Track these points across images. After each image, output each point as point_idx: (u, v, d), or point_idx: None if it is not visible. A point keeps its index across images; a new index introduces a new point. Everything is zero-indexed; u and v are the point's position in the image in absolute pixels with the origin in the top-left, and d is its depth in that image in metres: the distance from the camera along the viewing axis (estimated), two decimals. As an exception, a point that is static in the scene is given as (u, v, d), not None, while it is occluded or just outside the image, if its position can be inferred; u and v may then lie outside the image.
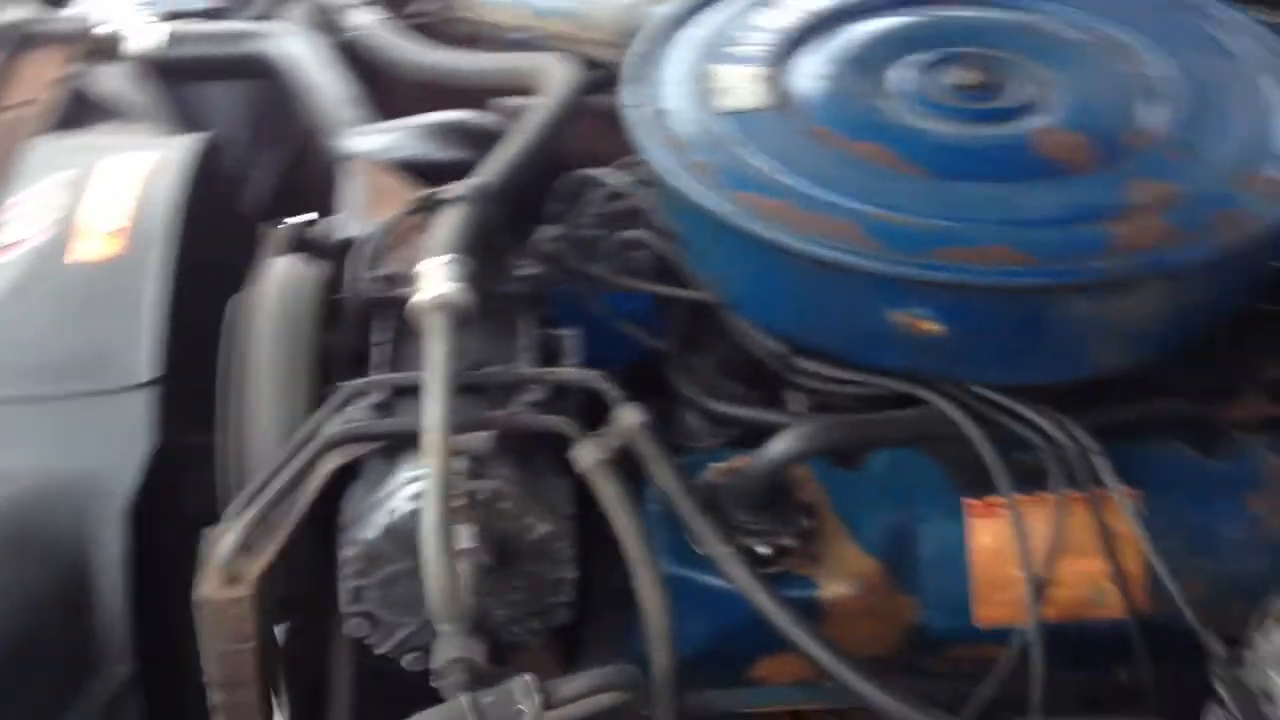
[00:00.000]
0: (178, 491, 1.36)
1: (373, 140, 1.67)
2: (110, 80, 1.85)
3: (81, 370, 1.35)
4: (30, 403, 1.33)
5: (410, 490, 1.21)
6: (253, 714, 1.25)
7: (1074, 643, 1.38)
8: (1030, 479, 1.37)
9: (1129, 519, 1.34)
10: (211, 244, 1.54)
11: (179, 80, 1.94)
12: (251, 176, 1.97)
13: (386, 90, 1.91)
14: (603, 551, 1.38)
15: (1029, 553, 1.32)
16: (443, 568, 1.11)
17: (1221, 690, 1.20)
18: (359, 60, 1.93)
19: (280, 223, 1.61)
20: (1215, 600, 1.39)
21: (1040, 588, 1.31)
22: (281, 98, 1.95)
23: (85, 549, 1.28)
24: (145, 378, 1.34)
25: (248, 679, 1.23)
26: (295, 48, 1.88)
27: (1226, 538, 1.40)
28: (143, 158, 1.56)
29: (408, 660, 1.27)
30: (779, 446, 1.30)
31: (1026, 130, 1.47)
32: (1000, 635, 1.37)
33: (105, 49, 1.89)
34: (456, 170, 1.56)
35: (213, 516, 1.29)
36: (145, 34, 1.93)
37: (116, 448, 1.31)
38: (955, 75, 1.52)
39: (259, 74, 1.92)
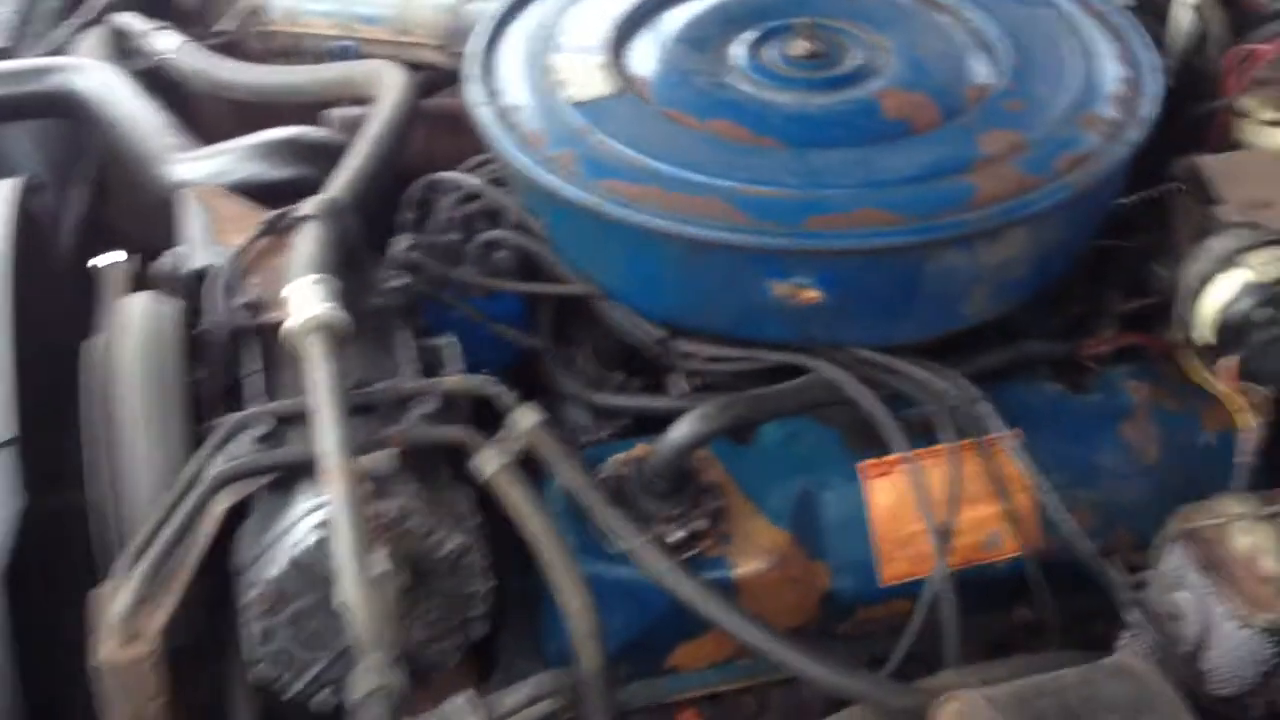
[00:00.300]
0: (46, 552, 1.27)
1: (203, 166, 1.60)
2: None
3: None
4: None
5: (312, 520, 1.16)
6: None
7: (976, 587, 1.41)
8: (920, 434, 1.40)
9: (1017, 461, 1.37)
10: (43, 291, 1.45)
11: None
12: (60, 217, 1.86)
13: (194, 114, 1.83)
14: (503, 557, 1.36)
15: (929, 505, 1.34)
16: (365, 595, 1.06)
17: (1130, 616, 1.23)
18: (165, 86, 1.84)
19: (109, 262, 1.53)
20: (1103, 529, 1.44)
21: (945, 537, 1.33)
22: (74, 133, 1.85)
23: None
24: (1, 438, 1.25)
25: (160, 738, 1.15)
26: (101, 79, 1.79)
27: (1106, 468, 1.46)
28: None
29: (320, 698, 1.21)
30: (682, 431, 1.29)
31: (870, 94, 1.49)
32: (908, 590, 1.39)
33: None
34: (296, 188, 1.51)
35: (85, 576, 1.22)
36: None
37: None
38: (791, 46, 1.53)
39: (63, 110, 1.81)
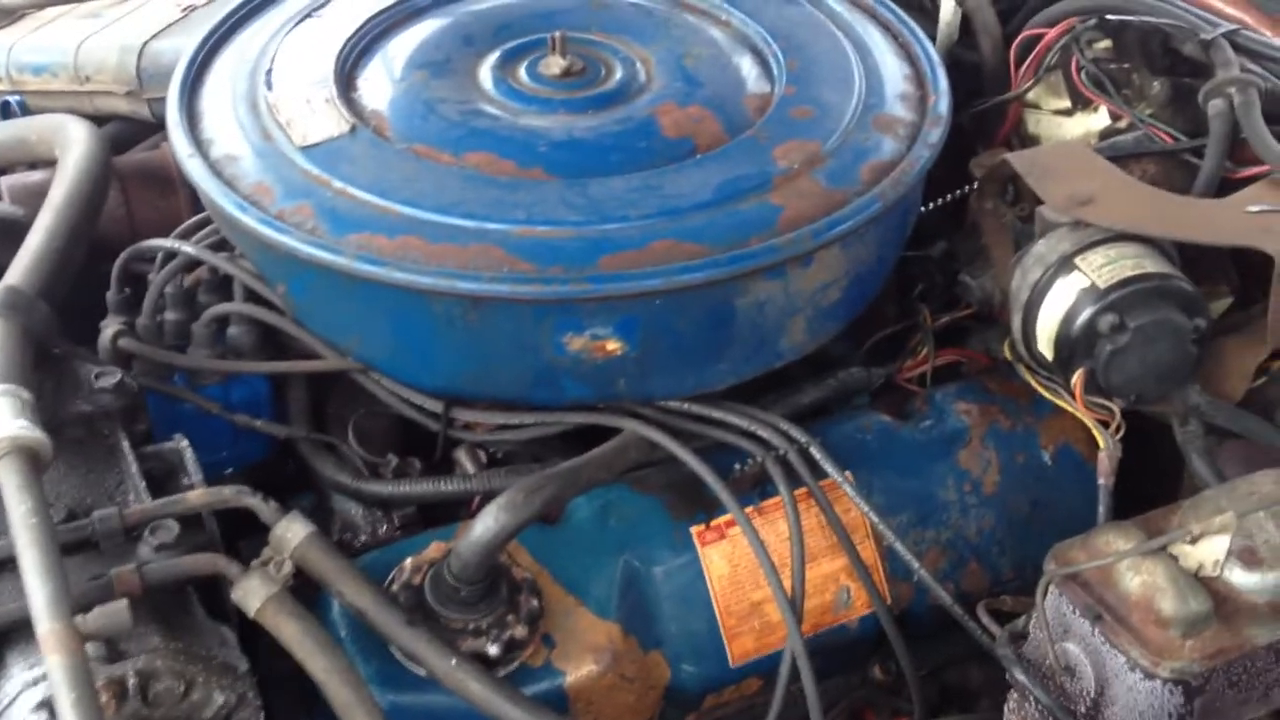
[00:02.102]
0: None
1: None
2: None
3: None
4: None
5: (30, 698, 0.90)
6: None
7: (829, 651, 1.26)
8: (749, 489, 1.23)
9: (858, 503, 1.22)
10: None
11: None
12: None
13: None
14: (282, 693, 1.12)
15: (773, 569, 1.17)
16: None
17: (1016, 674, 1.08)
18: None
19: None
20: (953, 570, 1.31)
21: (796, 603, 1.17)
22: None
23: None
24: None
25: None
26: None
27: (949, 501, 1.32)
28: None
29: None
30: (487, 526, 1.07)
31: (643, 112, 1.32)
32: (757, 667, 1.22)
33: None
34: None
35: None
36: None
37: None
38: (545, 65, 1.35)
39: None
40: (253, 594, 0.98)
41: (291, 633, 0.98)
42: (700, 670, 1.21)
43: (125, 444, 1.10)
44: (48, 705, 0.89)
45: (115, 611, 0.91)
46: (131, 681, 0.92)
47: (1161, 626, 1.02)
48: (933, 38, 1.56)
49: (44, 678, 0.89)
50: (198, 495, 1.04)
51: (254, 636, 1.07)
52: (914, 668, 1.23)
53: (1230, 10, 1.42)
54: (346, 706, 0.97)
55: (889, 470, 1.30)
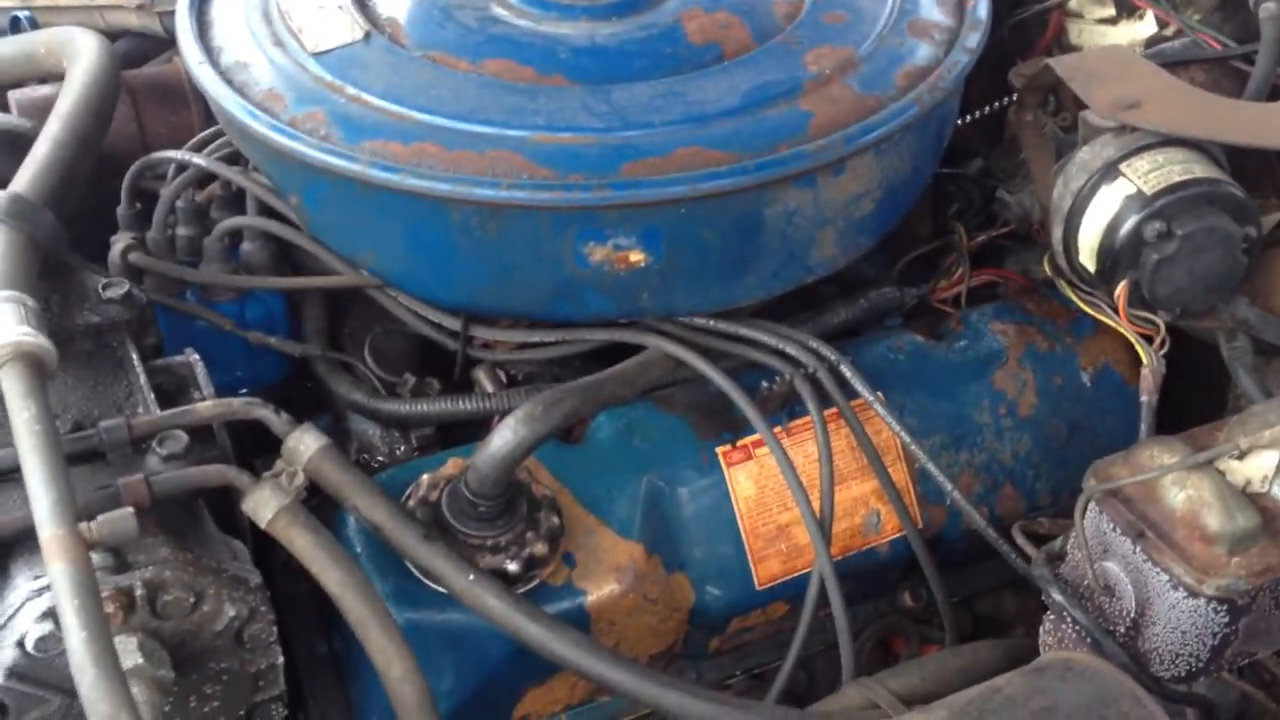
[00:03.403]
0: None
1: None
2: None
3: None
4: None
5: (35, 610, 0.87)
6: None
7: (857, 576, 1.23)
8: (778, 408, 1.20)
9: (890, 424, 1.18)
10: None
11: None
12: None
13: None
14: (300, 618, 1.10)
15: (802, 490, 1.13)
16: (114, 699, 0.78)
17: (1053, 594, 1.04)
18: None
19: None
20: (988, 493, 1.27)
21: (824, 526, 1.13)
22: None
23: None
24: None
25: None
26: None
27: (983, 424, 1.28)
28: None
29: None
30: (505, 439, 1.04)
31: (668, 17, 1.27)
32: (784, 591, 1.19)
33: None
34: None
35: None
36: None
37: None
38: (567, -33, 1.30)
39: None
40: (264, 505, 0.95)
41: (304, 545, 0.95)
42: (725, 593, 1.18)
43: (134, 356, 1.07)
44: (53, 614, 0.86)
45: (121, 519, 0.88)
46: (139, 592, 0.89)
47: (1207, 543, 0.98)
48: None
49: (49, 587, 0.87)
50: (207, 406, 1.01)
51: (268, 558, 1.05)
52: (946, 594, 1.20)
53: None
54: (362, 621, 0.94)
55: (922, 391, 1.26)
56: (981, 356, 1.30)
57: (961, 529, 1.25)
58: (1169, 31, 1.36)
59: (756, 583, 1.18)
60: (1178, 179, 1.11)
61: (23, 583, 0.90)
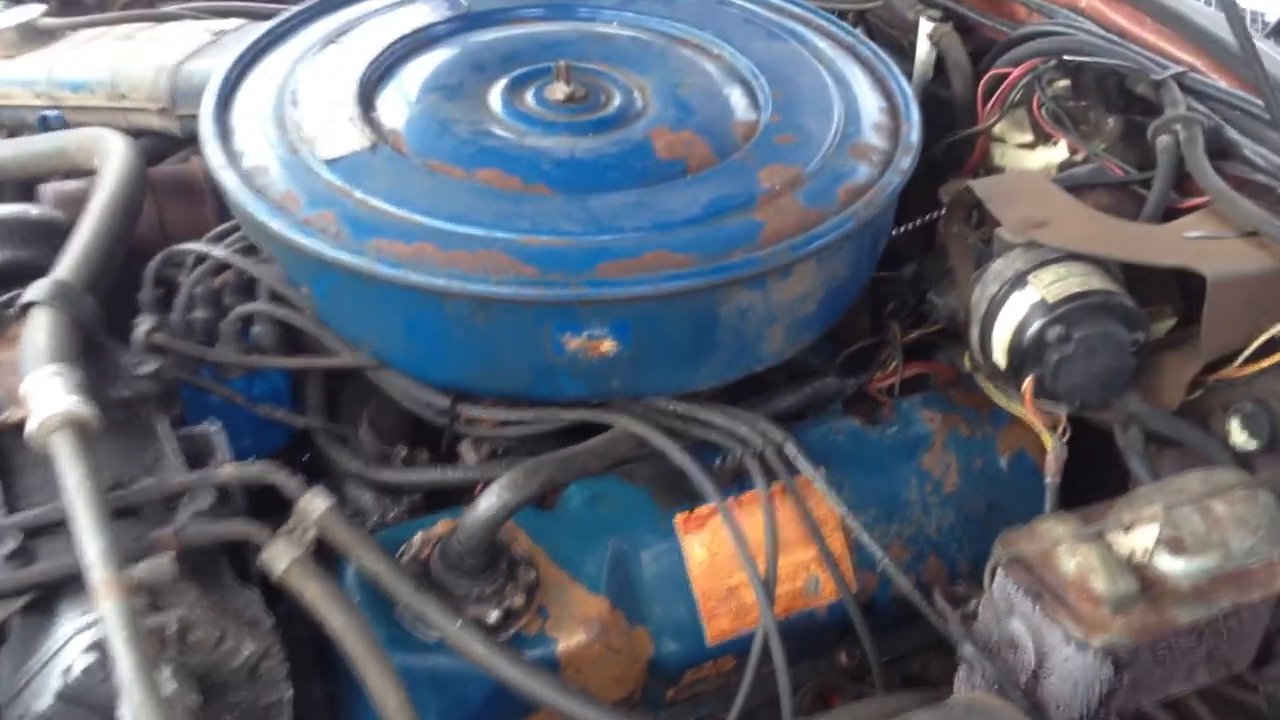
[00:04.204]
0: None
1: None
2: None
3: None
4: None
5: (81, 643, 1.00)
6: None
7: (799, 635, 1.37)
8: (729, 481, 1.35)
9: (829, 500, 1.33)
10: None
11: None
12: None
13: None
14: (301, 661, 1.23)
15: (749, 555, 1.28)
16: (156, 717, 0.91)
17: (963, 650, 1.20)
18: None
19: None
20: (915, 562, 1.42)
21: (769, 588, 1.28)
22: None
23: None
24: None
25: None
26: None
27: (911, 500, 1.44)
28: None
29: None
30: (490, 502, 1.19)
31: (639, 135, 1.44)
32: (733, 646, 1.33)
33: None
34: (13, 273, 1.34)
35: None
36: None
37: None
38: (550, 90, 1.47)
39: None
40: (279, 557, 1.09)
41: (314, 592, 1.09)
42: (680, 647, 1.32)
43: (163, 425, 1.21)
44: (98, 646, 0.99)
45: (161, 564, 1.02)
46: (172, 630, 1.02)
47: (1094, 604, 1.14)
48: (910, 75, 1.69)
49: (94, 623, 1.00)
50: (230, 469, 1.15)
51: (273, 606, 1.18)
52: (877, 654, 1.34)
53: (1179, 54, 1.54)
54: (362, 659, 1.08)
55: (858, 470, 1.42)
56: (911, 440, 1.46)
57: (892, 594, 1.39)
58: (1079, 158, 1.54)
59: (708, 638, 1.32)
60: (1076, 289, 1.28)
61: (70, 619, 1.03)
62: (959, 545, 1.44)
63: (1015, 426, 1.47)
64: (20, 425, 1.12)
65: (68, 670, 1.00)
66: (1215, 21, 1.51)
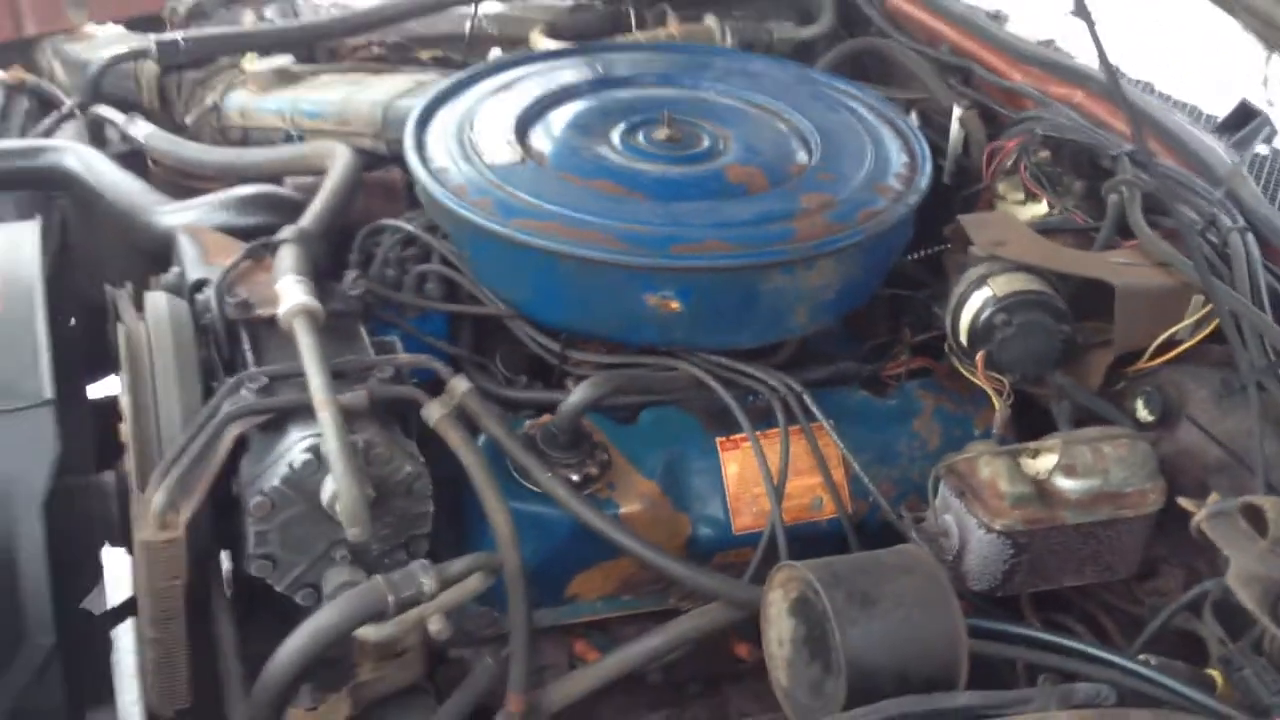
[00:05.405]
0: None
1: (184, 215, 1.97)
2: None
3: (-13, 396, 1.58)
4: (-53, 425, 1.55)
5: (303, 446, 1.51)
6: (180, 646, 1.51)
7: (802, 540, 1.81)
8: (760, 419, 1.82)
9: (833, 439, 1.79)
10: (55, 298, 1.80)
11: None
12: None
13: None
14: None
15: (769, 473, 1.75)
16: (352, 481, 1.42)
17: (911, 535, 1.66)
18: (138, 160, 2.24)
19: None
20: (899, 498, 1.87)
21: (779, 496, 1.74)
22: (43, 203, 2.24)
23: (9, 539, 1.51)
24: (47, 397, 1.59)
25: (177, 613, 1.49)
26: (86, 158, 2.16)
27: (901, 452, 1.89)
28: (-13, 239, 1.81)
29: (300, 596, 1.55)
30: (577, 395, 1.70)
31: (716, 167, 1.95)
32: (752, 539, 1.79)
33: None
34: (259, 233, 1.88)
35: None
36: (-66, 154, 2.15)
37: (28, 456, 1.55)
38: (656, 132, 1.99)
39: (52, 183, 2.18)
40: (435, 410, 1.59)
41: (455, 437, 1.59)
42: (713, 533, 1.78)
43: (361, 331, 1.75)
44: (313, 450, 1.49)
45: (359, 397, 1.54)
46: (360, 444, 1.52)
47: (1000, 499, 1.59)
48: (942, 148, 2.19)
49: (313, 435, 1.52)
50: (407, 357, 1.68)
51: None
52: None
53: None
54: (483, 485, 1.57)
55: (862, 426, 1.87)
56: (906, 410, 1.92)
57: (879, 519, 1.84)
58: (1056, 211, 2.01)
59: (734, 529, 1.79)
60: (1019, 288, 1.74)
61: (295, 434, 1.54)
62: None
63: (990, 411, 1.92)
64: (271, 319, 1.66)
65: (291, 463, 1.51)
66: (1164, 112, 1.97)
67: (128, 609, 1.75)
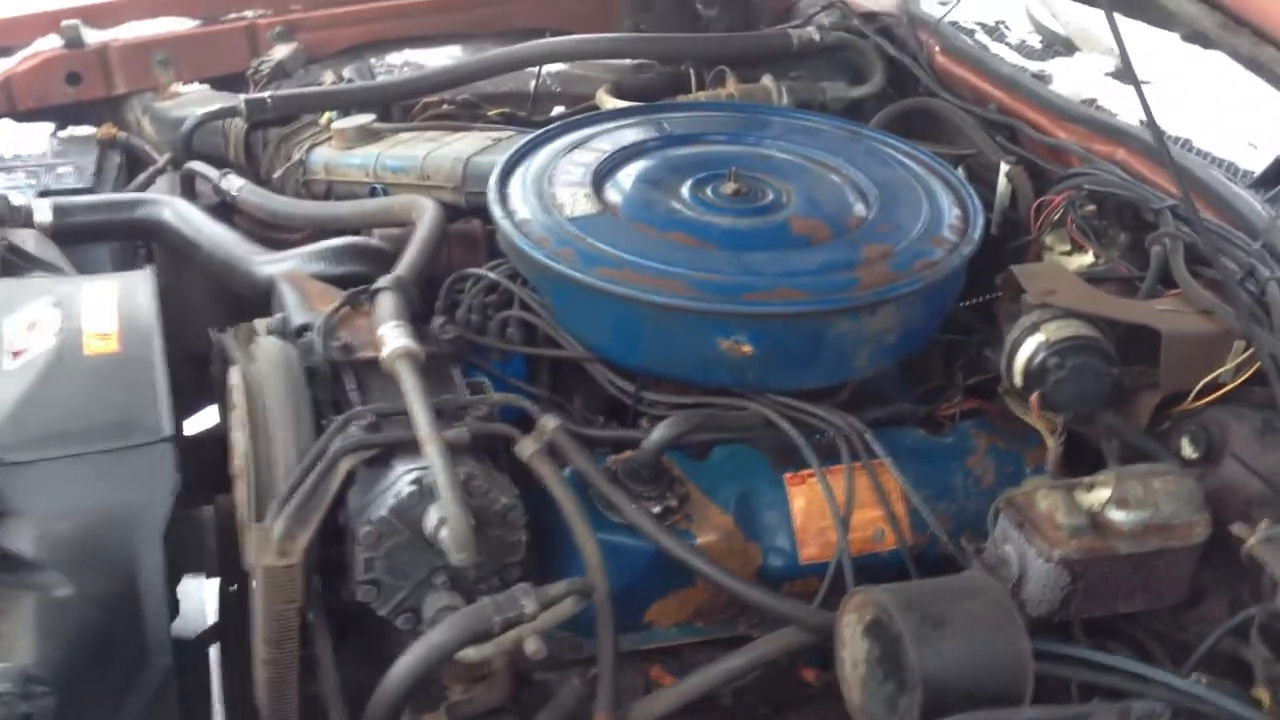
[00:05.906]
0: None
1: (280, 265, 2.11)
2: (27, 241, 2.21)
3: (113, 432, 1.70)
4: (77, 459, 1.68)
5: (409, 479, 1.63)
6: (292, 668, 1.62)
7: (865, 571, 1.91)
8: (825, 456, 1.93)
9: (895, 474, 1.91)
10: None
11: (74, 241, 2.31)
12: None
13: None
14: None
15: (835, 506, 1.86)
16: (459, 509, 1.54)
17: (974, 565, 1.76)
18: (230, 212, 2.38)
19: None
20: (955, 532, 1.97)
21: (845, 528, 1.85)
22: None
23: (133, 565, 1.64)
24: (167, 433, 1.71)
25: (291, 635, 1.60)
26: (181, 210, 2.31)
27: (957, 488, 2.00)
28: (107, 285, 1.94)
29: (401, 620, 1.66)
30: (659, 432, 1.81)
31: (781, 219, 2.08)
32: (817, 569, 1.90)
33: (16, 218, 2.25)
34: (352, 281, 2.02)
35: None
36: (41, 208, 2.29)
37: (150, 487, 1.68)
38: (724, 187, 2.12)
39: (147, 234, 2.33)
40: (527, 447, 1.72)
41: (547, 471, 1.71)
42: (781, 563, 1.89)
43: (455, 371, 1.87)
44: (418, 483, 1.62)
45: (460, 432, 1.66)
46: (461, 476, 1.65)
47: (1057, 530, 1.69)
48: (991, 202, 2.31)
49: (417, 469, 1.64)
50: (500, 396, 1.80)
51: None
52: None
53: (1173, 189, 2.12)
54: (572, 515, 1.69)
55: (920, 462, 1.98)
56: (961, 448, 2.03)
57: (938, 552, 1.94)
58: (1101, 261, 2.12)
59: (801, 560, 1.90)
60: (1070, 334, 1.85)
61: (401, 467, 1.67)
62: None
63: (1041, 449, 2.03)
64: (372, 361, 1.79)
65: (398, 494, 1.64)
66: (1203, 168, 2.08)
67: (212, 636, 1.88)
